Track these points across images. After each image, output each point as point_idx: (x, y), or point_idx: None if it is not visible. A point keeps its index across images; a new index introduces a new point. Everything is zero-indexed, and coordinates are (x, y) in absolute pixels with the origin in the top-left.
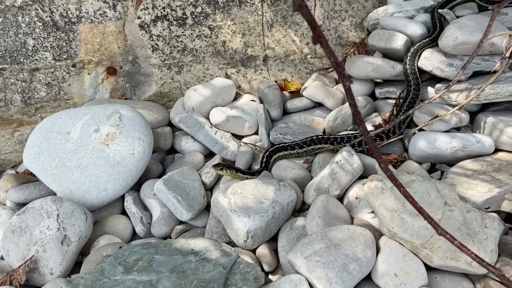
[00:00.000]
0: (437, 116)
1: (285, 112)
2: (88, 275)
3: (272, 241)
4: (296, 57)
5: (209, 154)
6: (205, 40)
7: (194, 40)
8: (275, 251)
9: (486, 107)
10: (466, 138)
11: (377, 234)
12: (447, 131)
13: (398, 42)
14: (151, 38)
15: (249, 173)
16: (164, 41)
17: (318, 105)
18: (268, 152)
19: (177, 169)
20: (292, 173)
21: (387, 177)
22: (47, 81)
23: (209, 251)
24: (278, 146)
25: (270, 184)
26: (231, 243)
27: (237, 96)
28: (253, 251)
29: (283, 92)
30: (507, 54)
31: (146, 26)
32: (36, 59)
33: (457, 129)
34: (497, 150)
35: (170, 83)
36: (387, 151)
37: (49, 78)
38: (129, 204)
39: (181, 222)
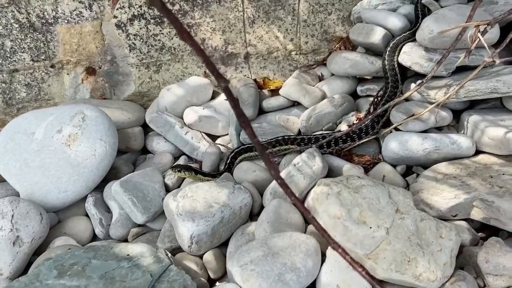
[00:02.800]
0: (413, 115)
1: (263, 112)
2: (24, 278)
3: (225, 246)
4: (280, 54)
5: (182, 155)
6: None
7: (172, 39)
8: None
9: (474, 105)
10: (440, 140)
11: None
12: (425, 131)
13: (376, 36)
14: (128, 37)
15: (209, 174)
16: (142, 40)
17: (297, 104)
18: (233, 153)
19: (139, 170)
20: (252, 176)
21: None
22: (26, 82)
23: (143, 257)
24: (243, 147)
25: (224, 187)
26: (180, 248)
27: (216, 95)
28: (202, 256)
29: (263, 90)
30: (473, 47)
31: (122, 25)
32: (15, 61)
33: (439, 129)
34: (479, 152)
35: (149, 82)
36: (362, 152)
37: (29, 79)
38: (89, 205)
39: (139, 225)
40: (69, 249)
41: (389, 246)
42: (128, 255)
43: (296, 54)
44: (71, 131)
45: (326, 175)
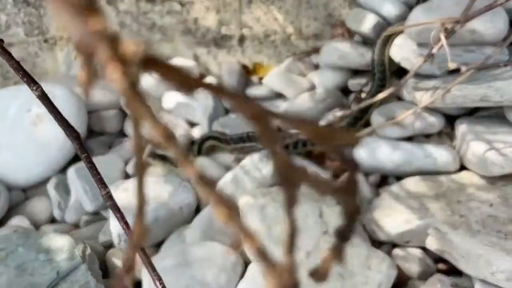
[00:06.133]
0: (392, 119)
1: None
2: None
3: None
4: (278, 37)
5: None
6: (175, 17)
7: (163, 17)
8: None
9: (476, 111)
10: (411, 151)
11: None
12: (410, 138)
13: (367, 25)
14: (118, 15)
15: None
16: (132, 18)
17: (283, 95)
18: (200, 141)
19: (102, 156)
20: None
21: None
22: (21, 57)
23: (61, 252)
24: (207, 135)
25: (169, 183)
26: None
27: (204, 79)
28: None
29: (253, 77)
30: (435, 50)
31: (113, 1)
32: (10, 35)
33: (427, 136)
34: (465, 168)
35: None
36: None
37: (23, 53)
38: (50, 187)
39: (93, 212)
40: (15, 230)
41: (306, 272)
42: (49, 247)
43: (296, 38)
44: (39, 111)
45: None
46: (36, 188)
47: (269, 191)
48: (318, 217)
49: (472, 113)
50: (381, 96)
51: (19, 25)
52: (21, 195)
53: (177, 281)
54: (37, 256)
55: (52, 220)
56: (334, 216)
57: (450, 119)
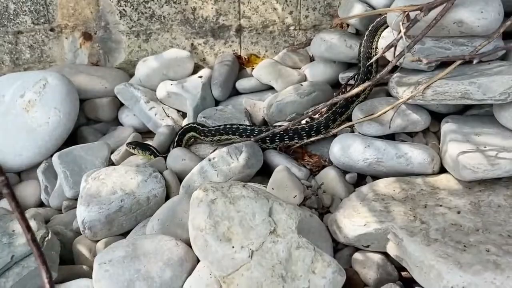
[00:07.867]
0: (371, 114)
1: (239, 93)
2: None
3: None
4: (276, 28)
5: (149, 131)
6: (174, 7)
7: (162, 6)
8: None
9: (466, 109)
10: (384, 150)
11: None
12: (391, 136)
13: (353, 15)
14: (119, 4)
15: (164, 156)
16: (132, 7)
17: (273, 87)
18: (181, 131)
19: (87, 143)
20: (180, 164)
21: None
22: (29, 44)
23: (21, 236)
24: (187, 127)
25: (140, 173)
26: None
27: (199, 69)
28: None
29: (247, 69)
30: (396, 41)
31: None
32: (18, 23)
33: (411, 135)
34: (445, 170)
35: (138, 51)
36: (317, 151)
37: (31, 41)
38: (39, 172)
39: (75, 198)
40: None
41: (247, 272)
42: (14, 230)
43: (295, 29)
44: (31, 97)
45: (265, 174)
46: (29, 172)
47: (222, 186)
48: (267, 215)
49: (463, 111)
50: (355, 91)
51: (27, 14)
52: (14, 177)
53: (122, 274)
54: (1, 239)
55: (41, 204)
56: (285, 214)
57: (440, 117)
